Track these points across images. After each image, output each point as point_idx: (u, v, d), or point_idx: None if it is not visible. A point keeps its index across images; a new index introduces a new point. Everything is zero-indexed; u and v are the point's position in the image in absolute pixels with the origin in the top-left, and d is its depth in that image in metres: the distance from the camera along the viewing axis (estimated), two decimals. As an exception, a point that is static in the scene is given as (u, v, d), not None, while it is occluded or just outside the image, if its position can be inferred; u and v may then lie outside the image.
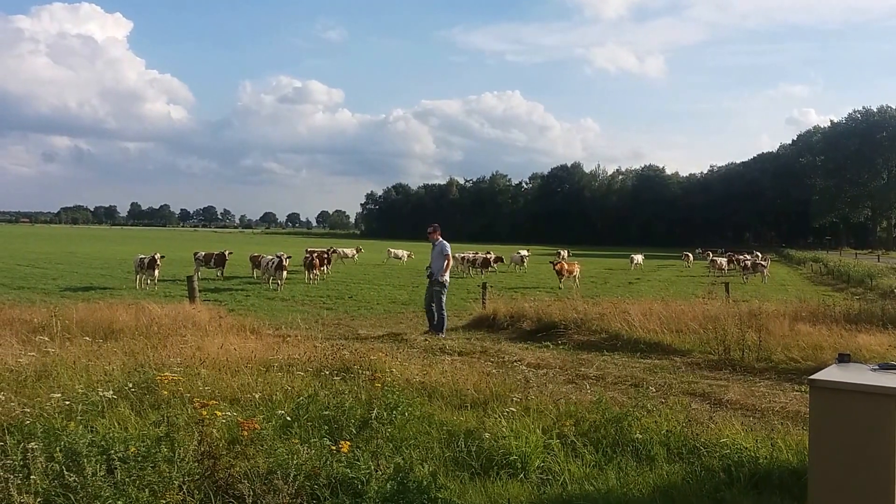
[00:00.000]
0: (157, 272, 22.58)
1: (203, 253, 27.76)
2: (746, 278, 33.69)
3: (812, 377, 3.97)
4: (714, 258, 43.32)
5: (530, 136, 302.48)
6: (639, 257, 46.00)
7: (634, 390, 6.77)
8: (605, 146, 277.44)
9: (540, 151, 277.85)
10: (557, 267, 27.61)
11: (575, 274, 28.28)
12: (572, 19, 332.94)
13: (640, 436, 5.31)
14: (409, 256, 41.36)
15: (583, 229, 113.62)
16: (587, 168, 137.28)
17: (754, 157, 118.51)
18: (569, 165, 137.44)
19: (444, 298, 13.31)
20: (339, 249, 40.43)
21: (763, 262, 36.31)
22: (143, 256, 22.97)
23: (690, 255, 49.64)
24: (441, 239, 13.59)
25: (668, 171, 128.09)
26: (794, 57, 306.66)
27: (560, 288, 25.62)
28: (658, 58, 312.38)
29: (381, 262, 42.42)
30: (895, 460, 3.57)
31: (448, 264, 13.52)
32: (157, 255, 22.82)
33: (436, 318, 13.09)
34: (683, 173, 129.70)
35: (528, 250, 44.24)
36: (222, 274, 27.12)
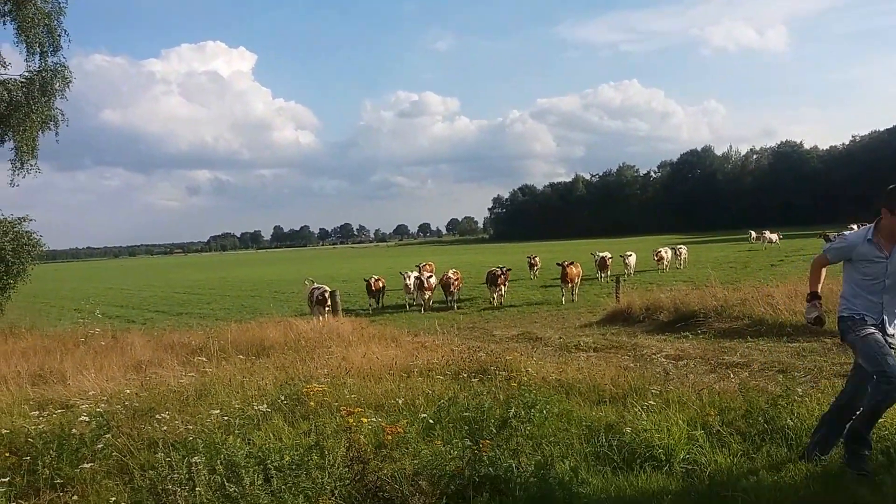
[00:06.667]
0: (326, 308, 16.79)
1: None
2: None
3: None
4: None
5: (652, 124, 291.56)
6: (773, 236, 42.94)
7: (782, 376, 6.41)
8: (733, 127, 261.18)
9: (663, 139, 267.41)
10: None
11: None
12: (683, 1, 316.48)
13: (791, 423, 5.05)
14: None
15: (717, 214, 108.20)
16: (718, 151, 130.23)
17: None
18: (699, 150, 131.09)
19: None
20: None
21: None
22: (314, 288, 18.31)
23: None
24: None
25: (807, 146, 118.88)
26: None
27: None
28: (779, 29, 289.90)
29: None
30: None
31: None
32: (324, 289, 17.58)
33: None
34: (823, 146, 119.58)
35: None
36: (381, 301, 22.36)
